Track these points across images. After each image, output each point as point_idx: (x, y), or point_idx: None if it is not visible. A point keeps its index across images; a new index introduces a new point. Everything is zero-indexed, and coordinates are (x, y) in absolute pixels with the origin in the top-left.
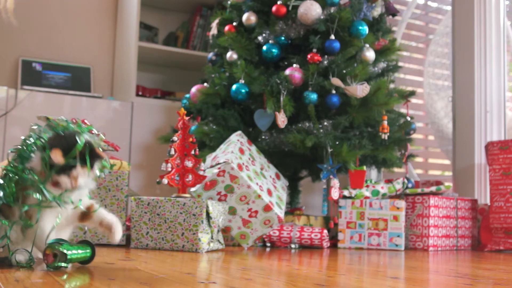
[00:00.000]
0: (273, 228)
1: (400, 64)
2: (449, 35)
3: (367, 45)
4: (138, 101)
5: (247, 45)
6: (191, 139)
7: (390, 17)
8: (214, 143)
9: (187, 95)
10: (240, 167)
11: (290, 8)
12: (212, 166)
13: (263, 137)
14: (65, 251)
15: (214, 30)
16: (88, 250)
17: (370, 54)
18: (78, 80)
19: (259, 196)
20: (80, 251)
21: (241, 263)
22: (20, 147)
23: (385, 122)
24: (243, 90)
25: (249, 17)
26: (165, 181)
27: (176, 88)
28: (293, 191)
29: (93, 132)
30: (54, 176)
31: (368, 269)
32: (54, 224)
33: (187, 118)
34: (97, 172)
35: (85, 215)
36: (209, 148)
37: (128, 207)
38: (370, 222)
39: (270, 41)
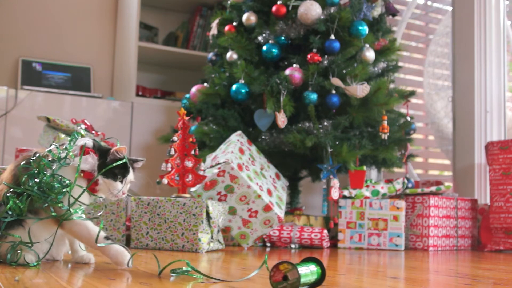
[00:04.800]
0: (273, 228)
1: (400, 64)
2: (449, 35)
3: (367, 45)
4: (138, 101)
5: (247, 45)
6: (191, 139)
7: (390, 17)
8: (214, 143)
9: (187, 95)
10: (240, 167)
11: (290, 8)
12: (212, 166)
13: (263, 137)
14: (301, 274)
15: (214, 30)
16: (318, 270)
17: (370, 54)
18: (78, 80)
19: (259, 196)
20: (312, 277)
21: (241, 263)
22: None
23: (385, 122)
24: (243, 90)
25: (249, 17)
26: (165, 181)
27: (176, 88)
28: (293, 191)
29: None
30: (102, 179)
31: (368, 269)
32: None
33: (187, 118)
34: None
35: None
36: (209, 148)
37: (128, 207)
38: (370, 222)
39: (270, 41)
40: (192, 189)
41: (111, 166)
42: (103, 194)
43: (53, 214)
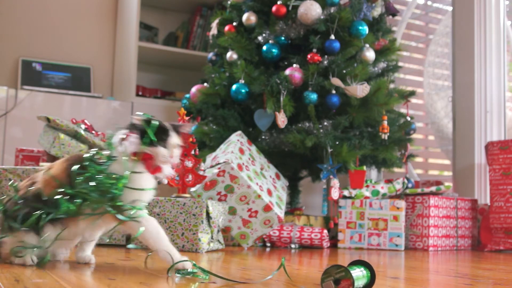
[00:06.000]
0: (273, 228)
1: (400, 64)
2: (449, 35)
3: (367, 45)
4: (138, 101)
5: (247, 45)
6: (191, 139)
7: (390, 17)
8: (214, 143)
9: (187, 95)
10: (240, 167)
11: (290, 8)
12: (212, 166)
13: (263, 137)
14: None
15: (214, 30)
16: (367, 274)
17: (370, 54)
18: (78, 80)
19: (259, 196)
20: (363, 281)
21: (241, 263)
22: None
23: (385, 122)
24: (243, 90)
25: (249, 17)
26: (165, 181)
27: (176, 88)
28: (293, 191)
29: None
30: (148, 150)
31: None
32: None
33: (187, 118)
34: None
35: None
36: (209, 148)
37: None
38: (370, 222)
39: (270, 41)
40: (192, 189)
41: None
42: (158, 163)
43: (110, 210)
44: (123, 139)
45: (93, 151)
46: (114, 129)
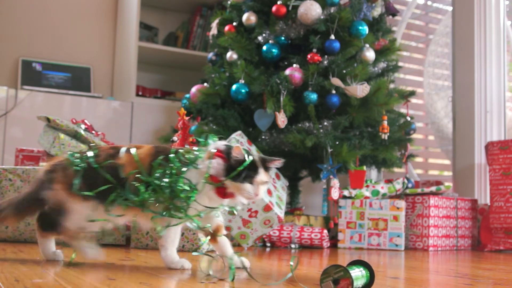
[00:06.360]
0: (273, 228)
1: (400, 64)
2: (449, 35)
3: (367, 45)
4: (138, 101)
5: (247, 45)
6: (191, 139)
7: (390, 17)
8: None
9: (187, 95)
10: None
11: (290, 8)
12: None
13: (263, 137)
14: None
15: (214, 30)
16: (366, 274)
17: (370, 54)
18: (78, 80)
19: None
20: (362, 281)
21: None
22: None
23: (385, 122)
24: (243, 90)
25: (249, 17)
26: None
27: (176, 88)
28: (293, 191)
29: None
30: (232, 184)
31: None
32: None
33: (187, 118)
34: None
35: (212, 236)
36: None
37: None
38: (370, 222)
39: (270, 41)
40: None
41: (238, 170)
42: (237, 197)
43: (200, 214)
44: (211, 156)
45: (183, 149)
46: (212, 138)
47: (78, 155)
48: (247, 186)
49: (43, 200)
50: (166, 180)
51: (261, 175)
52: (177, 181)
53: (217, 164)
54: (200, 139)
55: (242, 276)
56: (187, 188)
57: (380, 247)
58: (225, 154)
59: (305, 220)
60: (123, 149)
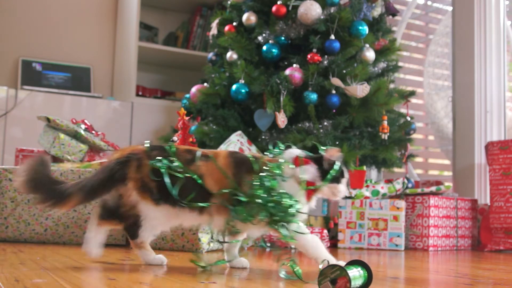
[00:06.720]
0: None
1: (400, 64)
2: (449, 35)
3: (367, 45)
4: (138, 101)
5: (247, 45)
6: (191, 139)
7: (390, 17)
8: (214, 143)
9: (187, 95)
10: None
11: (290, 8)
12: None
13: (263, 137)
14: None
15: (214, 30)
16: (364, 273)
17: (370, 54)
18: (78, 80)
19: None
20: (360, 281)
21: None
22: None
23: (385, 122)
24: (243, 90)
25: (249, 17)
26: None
27: (176, 88)
28: None
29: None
30: (329, 186)
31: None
32: None
33: (187, 118)
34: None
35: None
36: (209, 148)
37: None
38: (370, 222)
39: (270, 41)
40: None
41: (333, 172)
42: (326, 196)
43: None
44: (301, 162)
45: (256, 156)
46: (285, 145)
47: (156, 151)
48: (341, 186)
49: (111, 189)
50: (267, 195)
51: (347, 174)
52: (281, 196)
53: (311, 169)
54: (274, 148)
55: (242, 276)
56: (291, 201)
57: (380, 247)
58: (310, 158)
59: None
60: (198, 153)
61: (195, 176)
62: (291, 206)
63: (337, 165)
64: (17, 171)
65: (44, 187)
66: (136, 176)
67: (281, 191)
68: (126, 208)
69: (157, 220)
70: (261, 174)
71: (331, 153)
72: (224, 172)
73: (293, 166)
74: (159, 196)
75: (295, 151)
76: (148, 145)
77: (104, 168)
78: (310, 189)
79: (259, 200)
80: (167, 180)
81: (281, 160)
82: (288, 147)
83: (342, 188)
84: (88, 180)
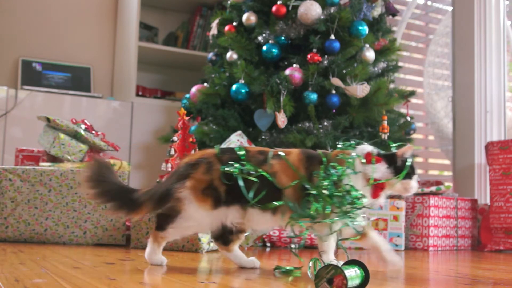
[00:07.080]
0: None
1: (400, 64)
2: (449, 35)
3: (367, 45)
4: (138, 101)
5: (247, 45)
6: (191, 139)
7: (390, 17)
8: (214, 143)
9: (187, 95)
10: None
11: (290, 8)
12: None
13: (263, 137)
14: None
15: (214, 30)
16: (361, 273)
17: (370, 54)
18: (78, 80)
19: None
20: (357, 281)
21: None
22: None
23: (385, 122)
24: (243, 90)
25: (249, 17)
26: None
27: (176, 88)
28: None
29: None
30: (401, 182)
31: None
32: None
33: (187, 118)
34: None
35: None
36: (209, 148)
37: None
38: (370, 222)
39: (270, 41)
40: None
41: (406, 169)
42: (398, 193)
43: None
44: (373, 160)
45: (328, 153)
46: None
47: (228, 154)
48: (413, 181)
49: None
50: (334, 189)
51: (416, 170)
52: (349, 190)
53: (382, 168)
54: (345, 145)
55: (242, 276)
56: (358, 195)
57: None
58: (382, 156)
59: None
60: (270, 153)
61: (267, 175)
62: (357, 198)
63: (409, 162)
64: (84, 178)
65: (118, 196)
66: (201, 177)
67: (348, 183)
68: (171, 197)
69: (196, 222)
70: (330, 165)
71: (404, 150)
72: (295, 168)
73: (364, 161)
74: (227, 199)
75: (367, 147)
76: (218, 149)
77: (173, 174)
78: (379, 187)
79: (325, 191)
80: (241, 183)
81: (353, 154)
82: (359, 143)
83: (414, 184)
84: (158, 188)
